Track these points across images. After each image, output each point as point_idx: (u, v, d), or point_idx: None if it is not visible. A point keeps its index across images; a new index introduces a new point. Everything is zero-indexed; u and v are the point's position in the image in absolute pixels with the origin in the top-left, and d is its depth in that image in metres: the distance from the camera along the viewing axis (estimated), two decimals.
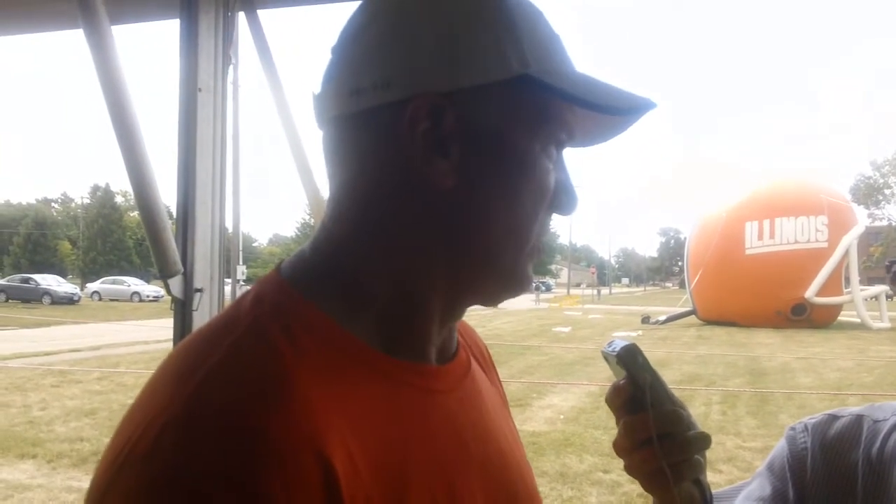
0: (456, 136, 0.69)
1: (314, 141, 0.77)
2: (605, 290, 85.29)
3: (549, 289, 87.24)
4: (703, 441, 0.86)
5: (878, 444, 1.15)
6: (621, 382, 0.87)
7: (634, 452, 0.86)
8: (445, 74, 0.68)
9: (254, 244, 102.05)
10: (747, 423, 9.78)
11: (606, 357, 0.89)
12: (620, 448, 0.88)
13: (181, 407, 0.58)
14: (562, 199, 0.77)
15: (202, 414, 0.57)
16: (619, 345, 0.87)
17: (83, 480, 6.90)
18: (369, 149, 0.71)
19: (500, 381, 0.99)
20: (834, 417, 1.22)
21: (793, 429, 1.24)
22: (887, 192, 63.72)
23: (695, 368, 15.31)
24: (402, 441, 0.67)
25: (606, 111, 0.72)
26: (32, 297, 40.38)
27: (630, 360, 0.85)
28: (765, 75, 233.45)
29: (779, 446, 1.24)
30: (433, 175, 0.69)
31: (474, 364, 0.87)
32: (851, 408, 1.24)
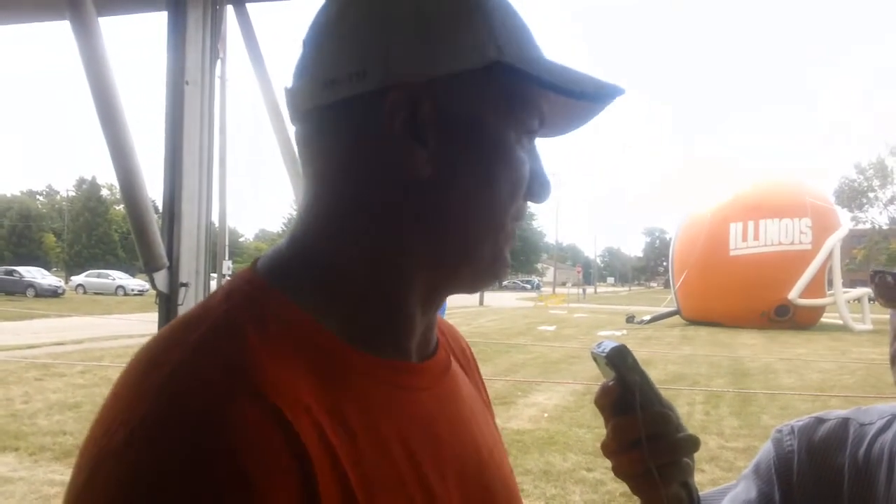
0: (433, 125, 0.69)
1: None
2: (590, 290, 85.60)
3: (537, 287, 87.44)
4: (692, 444, 0.85)
5: (864, 447, 1.15)
6: (610, 383, 0.86)
7: (622, 454, 0.85)
8: (422, 63, 0.68)
9: (240, 239, 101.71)
10: (730, 424, 9.82)
11: (595, 358, 0.88)
12: (608, 449, 0.87)
13: (150, 402, 0.58)
14: (535, 187, 0.77)
15: (169, 409, 0.57)
16: (608, 346, 0.86)
17: (65, 474, 6.83)
18: (345, 139, 0.70)
19: (482, 382, 0.98)
20: (820, 420, 1.22)
21: (779, 431, 1.24)
22: (871, 195, 64.11)
23: (679, 368, 15.37)
24: (376, 439, 0.66)
25: (580, 97, 0.72)
26: (16, 289, 40.07)
27: (619, 362, 0.85)
28: (765, 75, 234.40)
29: (765, 449, 1.24)
30: (411, 164, 0.69)
31: (454, 363, 0.86)
32: (838, 411, 1.24)
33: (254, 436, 0.56)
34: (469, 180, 0.71)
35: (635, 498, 0.88)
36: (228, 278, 0.76)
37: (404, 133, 0.68)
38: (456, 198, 0.71)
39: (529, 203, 0.79)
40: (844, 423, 1.20)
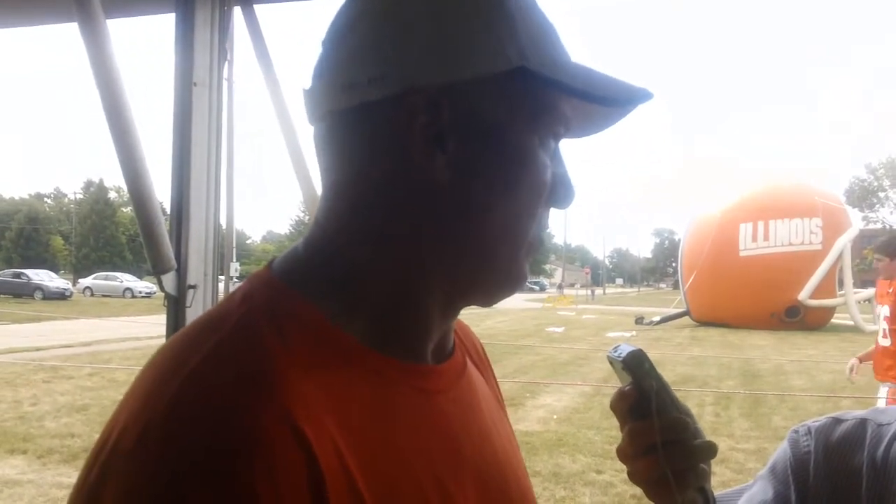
0: (453, 130, 0.68)
1: (310, 137, 0.76)
2: (598, 291, 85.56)
3: (546, 288, 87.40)
4: (709, 450, 0.84)
5: (882, 447, 1.14)
6: (627, 388, 0.85)
7: (638, 459, 0.84)
8: (442, 67, 0.67)
9: (247, 241, 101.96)
10: (740, 425, 9.80)
11: (612, 362, 0.87)
12: (624, 454, 0.87)
13: (165, 403, 0.57)
14: (559, 192, 0.75)
15: (186, 411, 0.56)
16: (625, 350, 0.85)
17: (73, 476, 6.80)
18: (364, 144, 0.69)
19: (496, 381, 0.97)
20: (837, 421, 1.21)
21: (796, 432, 1.23)
22: (881, 195, 63.92)
23: (688, 370, 15.34)
24: (393, 441, 0.66)
25: (605, 102, 0.71)
26: (24, 292, 40.31)
27: (636, 366, 0.84)
28: (765, 75, 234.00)
29: (781, 449, 1.23)
30: (431, 169, 0.68)
31: (470, 364, 0.86)
32: (855, 411, 1.23)
33: (273, 454, 0.55)
34: (488, 185, 0.70)
35: (647, 501, 0.88)
36: (235, 280, 0.75)
37: (423, 137, 0.67)
38: (475, 203, 0.70)
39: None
40: (862, 423, 1.19)
